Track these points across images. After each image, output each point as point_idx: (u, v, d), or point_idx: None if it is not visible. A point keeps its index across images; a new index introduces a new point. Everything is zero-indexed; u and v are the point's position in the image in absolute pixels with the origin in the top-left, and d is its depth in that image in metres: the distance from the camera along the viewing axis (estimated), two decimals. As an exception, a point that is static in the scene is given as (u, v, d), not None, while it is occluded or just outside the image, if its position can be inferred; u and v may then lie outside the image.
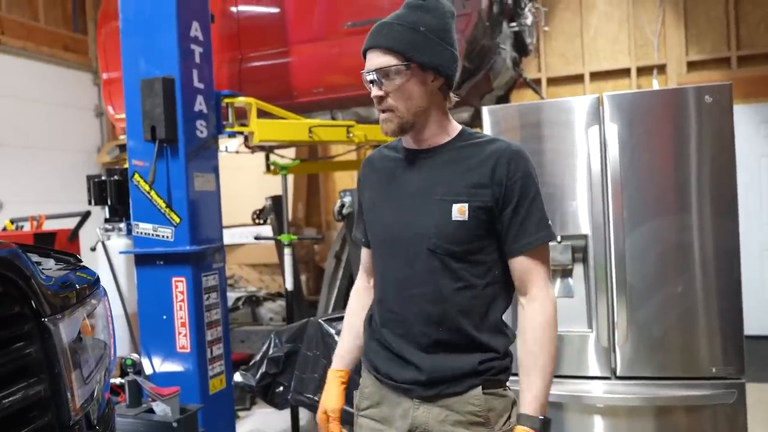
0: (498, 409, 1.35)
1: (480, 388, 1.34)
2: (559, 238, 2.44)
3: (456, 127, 1.43)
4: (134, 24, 2.63)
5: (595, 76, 5.83)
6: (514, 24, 3.80)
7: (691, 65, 5.56)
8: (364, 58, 1.36)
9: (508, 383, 1.41)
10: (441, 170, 1.37)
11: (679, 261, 2.40)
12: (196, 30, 2.67)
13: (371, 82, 1.33)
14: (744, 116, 5.19)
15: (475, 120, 3.91)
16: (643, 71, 5.70)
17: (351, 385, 1.59)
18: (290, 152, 4.90)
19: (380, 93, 1.32)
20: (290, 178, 5.85)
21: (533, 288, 1.36)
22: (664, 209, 2.41)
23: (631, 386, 2.44)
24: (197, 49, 2.68)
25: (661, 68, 5.63)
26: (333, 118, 3.68)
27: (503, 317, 1.40)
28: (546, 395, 1.32)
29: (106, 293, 1.48)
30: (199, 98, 2.69)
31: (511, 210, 1.34)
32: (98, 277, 1.47)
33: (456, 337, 1.34)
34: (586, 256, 2.48)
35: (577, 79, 5.87)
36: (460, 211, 1.32)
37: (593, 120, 2.45)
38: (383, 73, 1.30)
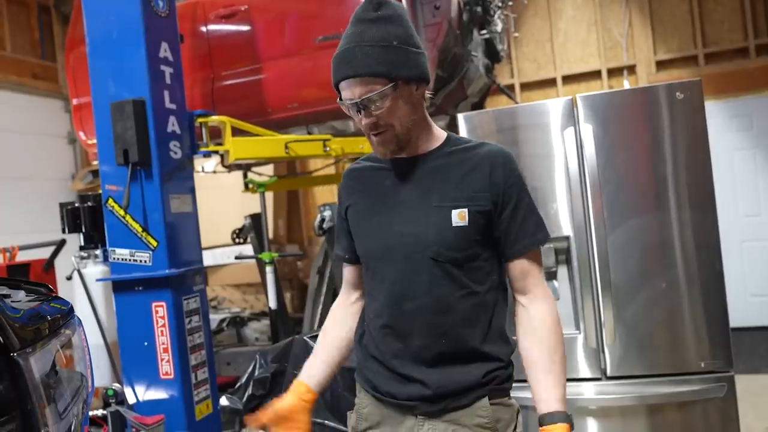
0: (505, 419, 1.32)
1: (486, 399, 1.30)
2: (543, 241, 2.43)
3: (441, 132, 1.40)
4: (102, 47, 2.59)
5: (567, 79, 5.89)
6: (484, 31, 3.83)
7: (660, 64, 5.65)
8: (337, 88, 1.29)
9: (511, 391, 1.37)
10: (434, 177, 1.34)
11: (661, 258, 2.40)
12: (165, 51, 2.64)
13: (359, 110, 1.27)
14: (715, 112, 5.28)
15: (451, 128, 3.92)
16: (614, 72, 5.78)
17: (343, 404, 1.52)
18: (269, 169, 4.86)
19: (372, 120, 1.28)
20: (269, 195, 5.81)
21: (535, 288, 1.34)
22: (642, 207, 2.42)
23: (622, 386, 2.43)
24: (167, 70, 2.65)
25: (631, 69, 5.71)
26: (309, 133, 3.65)
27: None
28: (565, 392, 1.29)
29: (80, 323, 1.43)
30: (172, 119, 2.65)
31: (509, 213, 1.32)
32: (72, 306, 1.42)
33: (460, 348, 1.31)
34: (569, 257, 2.48)
35: (550, 83, 5.93)
36: (460, 217, 1.29)
37: (568, 122, 2.46)
38: (369, 100, 1.25)
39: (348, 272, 1.52)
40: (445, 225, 1.29)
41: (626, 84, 5.65)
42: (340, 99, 1.31)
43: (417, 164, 1.36)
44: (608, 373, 2.44)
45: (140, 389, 2.56)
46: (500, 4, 3.94)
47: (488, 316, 1.33)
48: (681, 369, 2.39)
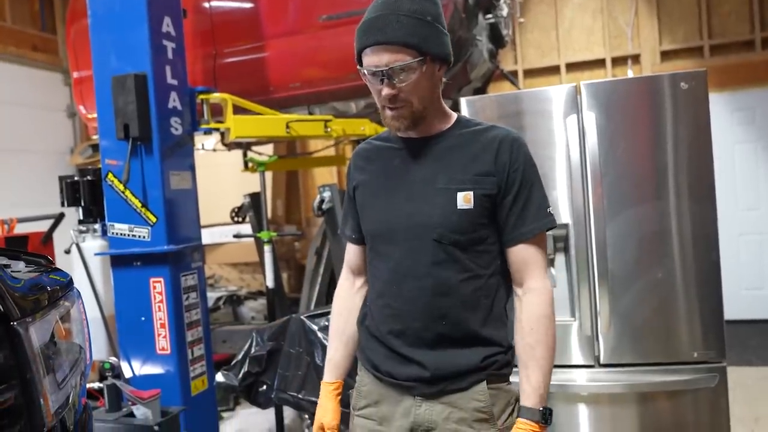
0: (501, 405, 1.33)
1: (485, 383, 1.32)
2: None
3: (452, 114, 1.39)
4: (104, 20, 2.56)
5: (571, 67, 5.86)
6: (489, 16, 3.79)
7: (665, 55, 5.62)
8: (360, 54, 1.27)
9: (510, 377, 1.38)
10: (442, 159, 1.33)
11: (658, 248, 2.41)
12: (168, 25, 2.62)
13: (381, 80, 1.24)
14: (717, 104, 5.26)
15: (453, 112, 3.90)
16: (618, 61, 5.75)
17: (343, 388, 1.55)
18: (268, 149, 4.84)
19: (393, 92, 1.25)
20: (268, 175, 5.79)
21: (531, 278, 1.33)
22: (642, 196, 2.42)
23: (615, 374, 2.45)
24: (170, 45, 2.63)
25: (635, 58, 5.68)
26: (310, 113, 3.64)
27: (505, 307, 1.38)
28: (546, 386, 1.30)
29: (80, 295, 1.44)
30: (173, 95, 2.64)
31: (512, 197, 1.31)
32: (71, 278, 1.42)
33: (459, 331, 1.31)
34: (567, 245, 2.48)
35: (554, 70, 5.90)
36: (465, 199, 1.29)
37: (571, 109, 2.45)
38: (397, 70, 1.23)
39: (353, 253, 1.52)
40: (450, 207, 1.29)
41: (630, 73, 5.62)
42: (360, 65, 1.29)
43: (426, 145, 1.35)
44: (602, 360, 2.46)
45: (136, 364, 2.58)
46: (507, -11, 3.91)
47: (490, 300, 1.34)
48: (674, 358, 2.41)
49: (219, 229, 5.47)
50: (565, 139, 2.45)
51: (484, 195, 1.30)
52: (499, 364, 1.34)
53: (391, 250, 1.35)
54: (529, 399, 1.29)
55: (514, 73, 5.85)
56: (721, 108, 5.34)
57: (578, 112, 2.44)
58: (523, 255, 1.33)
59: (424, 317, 1.31)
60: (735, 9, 5.46)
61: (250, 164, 4.63)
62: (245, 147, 4.33)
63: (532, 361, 1.30)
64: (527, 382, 1.30)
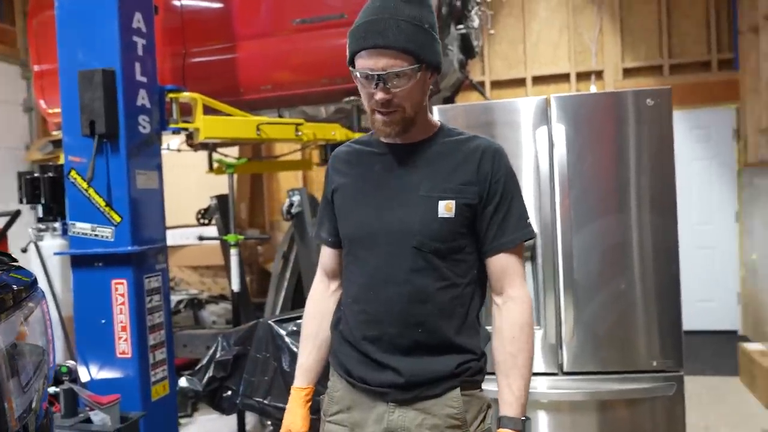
0: (474, 411, 1.34)
1: (458, 389, 1.32)
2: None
3: (435, 122, 1.39)
4: (72, 13, 2.49)
5: (537, 80, 5.98)
6: (461, 26, 3.84)
7: (627, 72, 5.79)
8: (355, 54, 1.25)
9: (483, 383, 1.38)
10: (425, 166, 1.33)
11: (620, 260, 2.47)
12: (138, 21, 2.57)
13: (376, 84, 1.23)
14: (676, 121, 5.39)
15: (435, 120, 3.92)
16: (582, 76, 5.89)
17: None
18: (233, 151, 4.78)
19: (387, 96, 1.24)
20: (233, 177, 5.71)
21: (510, 287, 1.34)
22: (607, 208, 2.49)
23: (576, 381, 2.50)
24: (140, 41, 2.57)
25: (599, 74, 5.84)
26: (280, 116, 3.61)
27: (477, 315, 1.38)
28: (526, 395, 1.31)
29: (44, 296, 1.39)
30: (142, 92, 2.58)
31: (492, 207, 1.32)
32: (36, 278, 1.37)
33: (435, 338, 1.31)
34: (534, 254, 2.52)
35: (520, 82, 6.01)
36: (447, 208, 1.29)
37: (541, 121, 2.50)
38: (393, 75, 1.22)
39: (328, 256, 1.50)
40: (431, 216, 1.29)
41: (593, 88, 5.77)
42: (352, 67, 1.27)
43: (409, 152, 1.35)
44: (565, 368, 2.50)
45: (95, 367, 2.50)
46: (479, 0, 3.97)
47: (465, 308, 1.34)
48: (633, 367, 2.47)
49: (180, 231, 5.36)
50: (534, 151, 2.50)
51: (465, 204, 1.30)
52: (472, 370, 1.34)
53: (369, 255, 1.34)
54: (511, 408, 1.29)
55: (482, 84, 5.93)
56: (680, 125, 5.53)
57: (548, 123, 2.49)
58: (503, 264, 1.34)
59: (400, 324, 1.31)
60: (693, 31, 5.67)
61: (215, 166, 4.58)
62: (211, 148, 4.27)
63: (513, 369, 1.30)
64: (509, 391, 1.30)
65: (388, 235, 1.31)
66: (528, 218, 1.37)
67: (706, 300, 5.64)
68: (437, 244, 1.30)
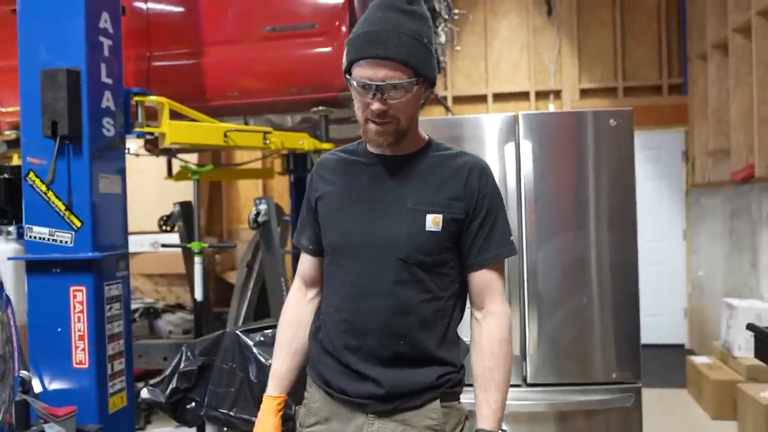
0: (452, 423, 1.35)
1: (438, 401, 1.32)
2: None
3: (424, 135, 1.40)
4: (35, 8, 2.40)
5: (498, 97, 6.12)
6: (428, 41, 3.89)
7: (584, 92, 5.99)
8: (353, 63, 1.25)
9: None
10: (414, 179, 1.34)
11: (581, 275, 2.55)
12: (105, 21, 2.50)
13: (374, 94, 1.24)
14: (628, 142, 5.65)
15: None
16: (541, 95, 6.06)
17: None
18: (192, 158, 4.70)
19: (384, 107, 1.25)
20: (191, 184, 5.60)
21: (491, 303, 1.36)
22: (570, 224, 2.56)
23: (539, 393, 2.55)
24: (106, 42, 2.50)
25: (557, 93, 6.02)
26: (245, 124, 3.57)
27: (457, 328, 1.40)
28: (503, 409, 1.32)
29: (9, 302, 1.33)
30: (107, 94, 2.50)
31: (478, 223, 1.34)
32: (1, 283, 1.31)
33: (416, 351, 1.32)
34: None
35: (481, 99, 6.13)
36: (434, 222, 1.30)
37: (509, 137, 2.56)
38: (390, 86, 1.23)
39: (308, 264, 1.49)
40: (419, 229, 1.30)
41: (551, 107, 5.94)
42: (349, 75, 1.27)
43: (398, 164, 1.36)
44: (528, 380, 2.55)
45: (49, 378, 2.39)
46: (446, 17, 4.03)
47: (446, 321, 1.35)
48: (594, 379, 2.55)
49: (134, 238, 5.20)
50: (502, 166, 2.55)
51: (452, 219, 1.32)
52: (452, 382, 1.36)
53: (353, 265, 1.34)
54: (488, 422, 1.30)
55: (445, 99, 6.03)
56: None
57: (516, 140, 2.55)
58: (485, 279, 1.36)
59: (382, 335, 1.31)
60: (646, 56, 5.92)
61: (176, 171, 4.48)
62: (172, 154, 4.18)
63: (492, 384, 1.32)
64: (486, 405, 1.31)
65: (374, 246, 1.32)
66: (511, 235, 1.39)
67: (656, 315, 5.84)
68: (423, 257, 1.31)
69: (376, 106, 1.25)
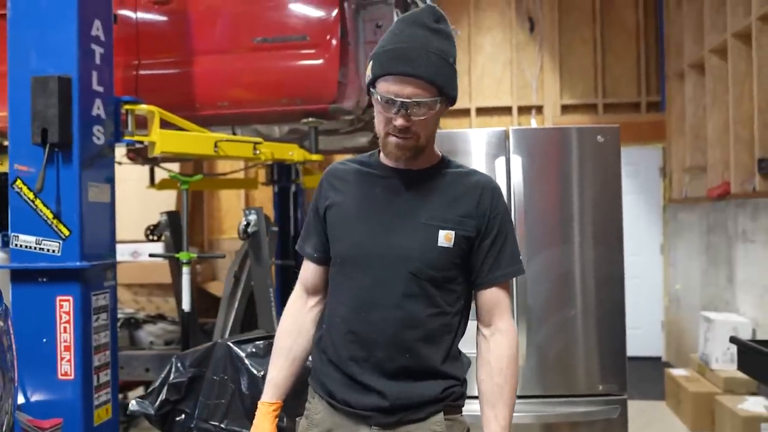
0: None
1: (442, 414, 1.34)
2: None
3: (437, 152, 1.42)
4: (27, 14, 2.39)
5: (481, 111, 6.20)
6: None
7: (565, 108, 6.10)
8: (379, 77, 1.27)
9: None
10: (428, 195, 1.35)
11: (569, 288, 2.60)
12: (98, 29, 2.49)
13: (398, 110, 1.25)
14: (608, 157, 5.76)
15: (374, 145, 3.97)
16: (523, 110, 6.16)
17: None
18: (173, 167, 4.67)
19: (407, 123, 1.27)
20: (173, 194, 5.56)
21: (500, 320, 1.38)
22: (559, 238, 2.61)
23: (525, 405, 2.57)
24: (98, 50, 2.49)
25: (539, 109, 6.12)
26: (234, 134, 3.56)
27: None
28: (510, 425, 1.34)
29: (8, 313, 1.31)
30: (98, 102, 2.49)
31: (489, 242, 1.36)
32: (1, 294, 1.29)
33: (421, 364, 1.33)
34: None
35: (465, 113, 6.20)
36: (446, 238, 1.32)
37: (499, 151, 2.60)
38: (414, 104, 1.25)
39: (311, 272, 1.48)
40: (431, 244, 1.32)
41: (533, 123, 6.03)
42: (373, 88, 1.29)
43: (411, 178, 1.37)
44: (518, 392, 2.56)
45: (34, 390, 2.35)
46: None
47: (451, 336, 1.37)
48: (581, 391, 2.58)
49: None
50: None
51: (464, 236, 1.34)
52: (456, 395, 1.37)
53: (362, 276, 1.34)
54: None
55: (428, 112, 6.07)
56: (611, 161, 5.85)
57: (507, 154, 2.59)
58: (494, 297, 1.38)
59: (389, 348, 1.32)
60: (625, 74, 6.06)
61: (158, 181, 4.44)
62: (156, 163, 4.14)
63: (500, 400, 1.33)
64: (495, 422, 1.32)
65: (386, 259, 1.33)
66: (520, 255, 1.42)
67: (634, 327, 5.88)
68: (433, 272, 1.32)
69: (399, 122, 1.27)
